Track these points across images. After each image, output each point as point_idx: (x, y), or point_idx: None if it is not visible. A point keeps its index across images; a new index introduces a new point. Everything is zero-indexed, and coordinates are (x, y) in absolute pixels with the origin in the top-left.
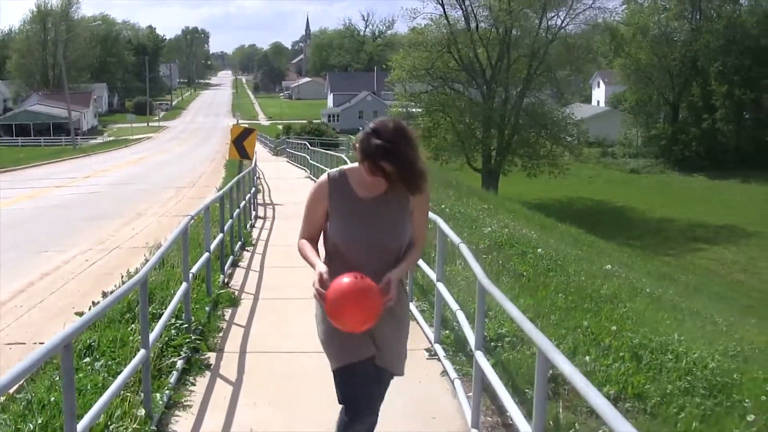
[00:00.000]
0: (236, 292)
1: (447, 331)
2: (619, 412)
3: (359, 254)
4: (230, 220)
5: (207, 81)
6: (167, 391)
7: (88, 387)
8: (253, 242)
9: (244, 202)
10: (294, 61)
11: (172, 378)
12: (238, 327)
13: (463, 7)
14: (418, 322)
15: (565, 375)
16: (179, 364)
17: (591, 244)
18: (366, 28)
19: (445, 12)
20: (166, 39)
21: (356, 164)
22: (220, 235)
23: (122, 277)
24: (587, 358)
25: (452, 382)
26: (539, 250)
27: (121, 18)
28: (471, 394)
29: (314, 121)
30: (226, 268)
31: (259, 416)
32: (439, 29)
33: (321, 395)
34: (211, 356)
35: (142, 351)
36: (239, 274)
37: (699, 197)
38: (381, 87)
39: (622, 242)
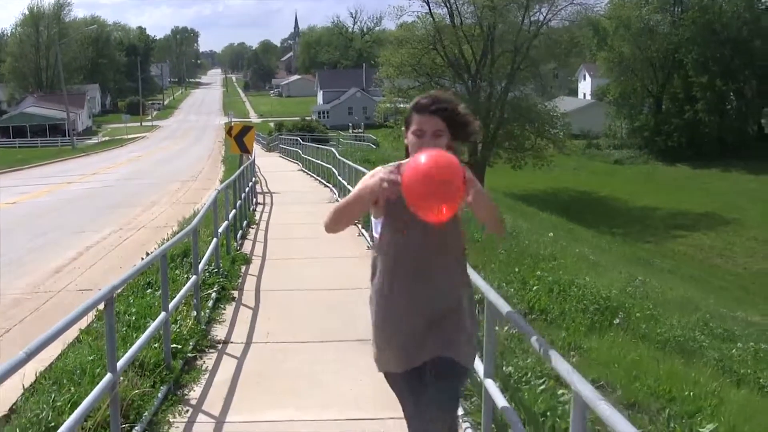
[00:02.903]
0: (248, 255)
1: None
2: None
3: (413, 265)
4: (239, 201)
5: (197, 80)
6: (207, 311)
7: (155, 304)
8: (257, 222)
9: (248, 189)
10: (283, 58)
11: (210, 303)
12: (252, 276)
13: (448, 4)
14: None
15: None
16: (213, 295)
17: (570, 230)
18: (354, 24)
19: (430, 9)
20: (156, 39)
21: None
22: (234, 210)
23: (162, 240)
24: (511, 289)
25: None
26: None
27: (111, 19)
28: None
29: (306, 118)
30: (238, 238)
31: (273, 327)
32: (425, 26)
33: (313, 315)
34: (235, 293)
35: (194, 277)
36: (248, 244)
37: (681, 186)
38: (370, 83)
39: (605, 230)
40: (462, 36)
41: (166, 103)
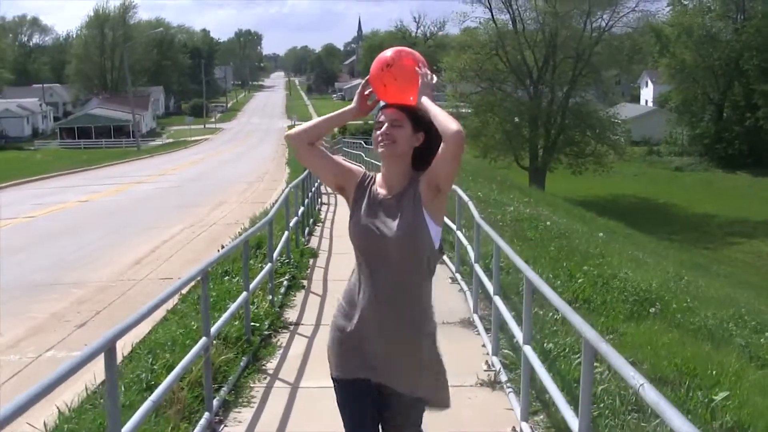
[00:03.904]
0: (315, 249)
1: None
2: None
3: (376, 257)
4: (307, 200)
5: (260, 83)
6: (279, 296)
7: (233, 289)
8: (322, 220)
9: (314, 189)
10: (346, 62)
11: (282, 290)
12: (319, 268)
13: (510, 10)
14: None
15: (511, 258)
16: (285, 282)
17: (628, 236)
18: (417, 29)
19: (492, 15)
20: (219, 42)
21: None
22: (302, 208)
23: (237, 234)
24: (558, 281)
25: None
26: (548, 222)
27: (176, 22)
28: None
29: (369, 122)
30: (305, 234)
31: None
32: (488, 32)
33: None
34: (304, 282)
35: (269, 264)
36: (314, 240)
37: (741, 194)
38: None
39: (663, 236)
40: (524, 42)
41: (229, 105)
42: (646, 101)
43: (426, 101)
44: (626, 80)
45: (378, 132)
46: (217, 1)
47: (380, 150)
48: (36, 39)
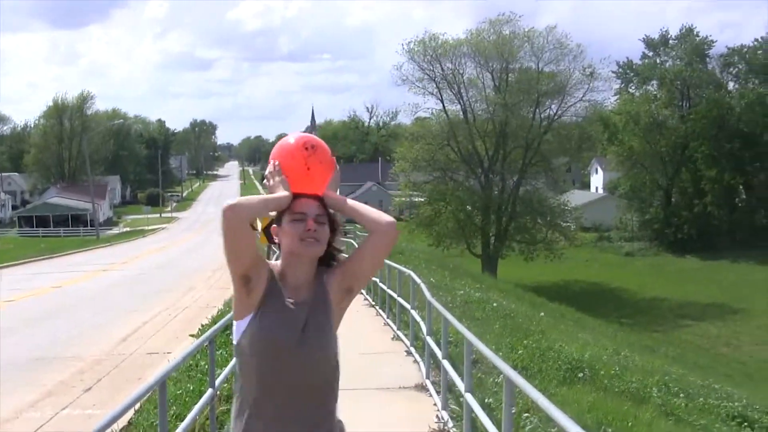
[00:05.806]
0: None
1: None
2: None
3: (284, 375)
4: None
5: (215, 172)
6: None
7: (219, 359)
8: None
9: None
10: None
11: None
12: None
13: (461, 101)
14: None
15: (458, 329)
16: None
17: (578, 320)
18: (370, 119)
19: (444, 106)
20: (175, 132)
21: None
22: None
23: (212, 317)
24: (500, 353)
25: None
26: (494, 304)
27: (132, 112)
28: None
29: None
30: None
31: None
32: (439, 122)
33: (344, 371)
34: None
35: None
36: None
37: (691, 278)
38: (386, 177)
39: (613, 320)
40: (475, 132)
41: (184, 194)
42: (597, 188)
43: (351, 201)
44: (576, 167)
45: (303, 226)
46: (172, 91)
47: (307, 250)
48: None
